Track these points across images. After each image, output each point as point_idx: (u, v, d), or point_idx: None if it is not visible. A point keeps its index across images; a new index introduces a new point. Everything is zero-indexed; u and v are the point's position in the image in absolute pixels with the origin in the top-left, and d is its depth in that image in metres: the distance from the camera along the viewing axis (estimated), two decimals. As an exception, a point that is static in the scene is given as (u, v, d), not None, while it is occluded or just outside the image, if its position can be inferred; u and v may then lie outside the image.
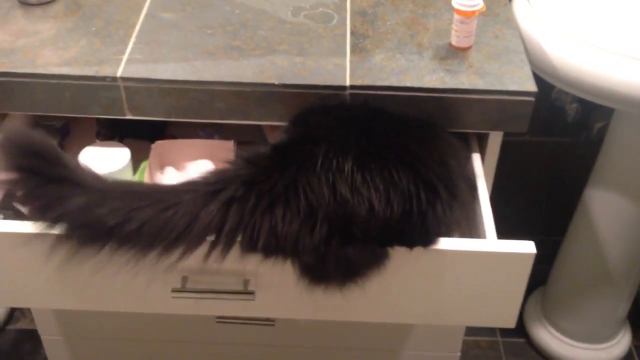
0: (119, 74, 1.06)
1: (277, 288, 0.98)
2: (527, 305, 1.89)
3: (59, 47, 1.11)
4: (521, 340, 1.87)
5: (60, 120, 1.25)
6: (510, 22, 1.19)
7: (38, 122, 1.24)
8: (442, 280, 0.97)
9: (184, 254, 0.87)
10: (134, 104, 1.08)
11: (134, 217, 0.85)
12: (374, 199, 0.85)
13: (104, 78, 1.06)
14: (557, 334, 1.80)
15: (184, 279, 0.97)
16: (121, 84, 1.06)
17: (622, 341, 1.81)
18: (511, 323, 1.01)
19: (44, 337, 1.38)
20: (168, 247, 0.86)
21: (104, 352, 1.40)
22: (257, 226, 0.86)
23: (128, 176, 1.16)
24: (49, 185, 0.88)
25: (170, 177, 1.15)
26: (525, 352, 1.84)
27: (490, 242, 0.95)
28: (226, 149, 1.15)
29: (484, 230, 0.99)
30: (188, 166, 1.16)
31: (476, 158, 1.14)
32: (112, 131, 1.21)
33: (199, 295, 0.96)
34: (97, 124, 1.21)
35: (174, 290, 0.96)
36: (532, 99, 1.06)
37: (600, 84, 1.19)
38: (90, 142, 1.18)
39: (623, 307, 1.75)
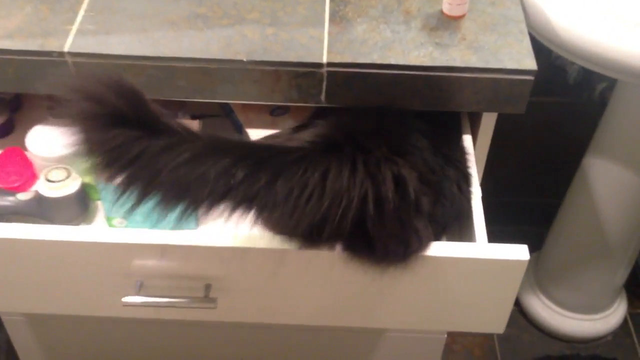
0: (66, 48, 0.94)
1: (243, 292, 0.89)
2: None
3: (0, 16, 0.98)
4: (512, 308, 1.80)
5: (9, 94, 1.13)
6: (510, -14, 1.06)
7: None
8: (429, 285, 0.87)
9: None
10: (86, 81, 0.96)
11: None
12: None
13: (49, 53, 0.94)
14: (551, 304, 1.73)
15: (140, 286, 0.87)
16: (69, 59, 0.94)
17: (618, 310, 1.74)
18: (500, 329, 0.93)
19: (5, 318, 1.30)
20: None
21: (69, 332, 1.32)
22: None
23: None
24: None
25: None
26: (515, 321, 1.78)
27: (481, 247, 0.85)
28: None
29: (474, 232, 0.90)
30: None
31: (467, 139, 1.03)
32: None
33: (152, 302, 0.87)
34: (48, 98, 1.10)
35: (127, 297, 0.86)
36: (531, 77, 0.95)
37: (606, 54, 1.08)
38: (43, 118, 1.07)
39: (620, 277, 1.67)
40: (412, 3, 1.03)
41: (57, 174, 0.98)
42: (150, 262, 0.86)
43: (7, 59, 0.94)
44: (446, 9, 1.00)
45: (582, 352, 1.74)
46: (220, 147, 0.75)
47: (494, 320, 0.91)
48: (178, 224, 0.87)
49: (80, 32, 0.96)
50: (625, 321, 1.78)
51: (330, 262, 0.85)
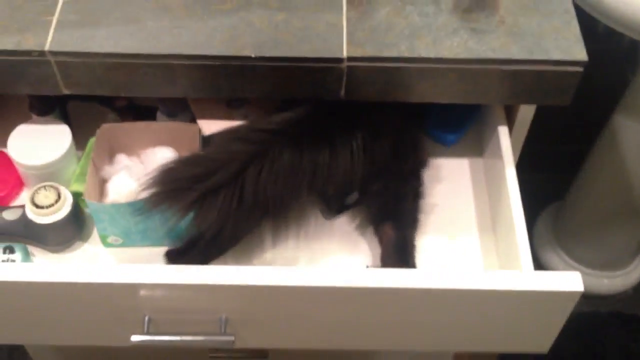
0: (47, 46, 0.81)
1: (262, 323, 0.81)
2: (538, 226, 1.73)
3: (-32, 6, 0.85)
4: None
5: None
6: (551, -49, 0.93)
7: None
8: (472, 313, 0.79)
9: None
10: (72, 80, 0.84)
11: None
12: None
13: (28, 52, 0.81)
14: (570, 261, 1.66)
15: (149, 321, 0.78)
16: (51, 58, 0.82)
17: (639, 267, 1.67)
18: (545, 349, 0.85)
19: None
20: None
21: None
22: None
23: (71, 163, 0.94)
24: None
25: (122, 167, 0.92)
26: (533, 277, 1.71)
27: (529, 277, 0.75)
28: (190, 134, 0.92)
29: (518, 257, 0.80)
30: (144, 153, 0.94)
31: (503, 132, 0.93)
32: (49, 98, 0.96)
33: (163, 341, 0.78)
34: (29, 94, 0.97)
35: (135, 336, 0.78)
36: (580, 69, 0.83)
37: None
38: (23, 116, 0.96)
39: (644, 233, 1.59)
40: (442, -23, 0.89)
41: (45, 196, 0.87)
42: (159, 297, 0.77)
43: (-20, 59, 0.82)
44: (481, -16, 0.88)
45: (602, 308, 1.68)
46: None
47: (540, 341, 0.83)
48: (176, 239, 0.91)
49: (61, 24, 0.83)
50: (644, 276, 1.72)
51: (368, 293, 0.76)
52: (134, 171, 0.92)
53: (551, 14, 0.86)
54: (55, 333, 0.84)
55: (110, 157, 0.94)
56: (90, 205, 0.87)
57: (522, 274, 0.78)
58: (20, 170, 0.93)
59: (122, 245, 0.92)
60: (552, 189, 1.74)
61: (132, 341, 0.78)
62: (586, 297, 1.66)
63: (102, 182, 0.93)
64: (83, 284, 0.75)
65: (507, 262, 0.87)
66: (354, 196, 0.96)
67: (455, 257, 0.93)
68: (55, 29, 0.83)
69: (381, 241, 0.92)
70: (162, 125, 0.95)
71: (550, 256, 1.69)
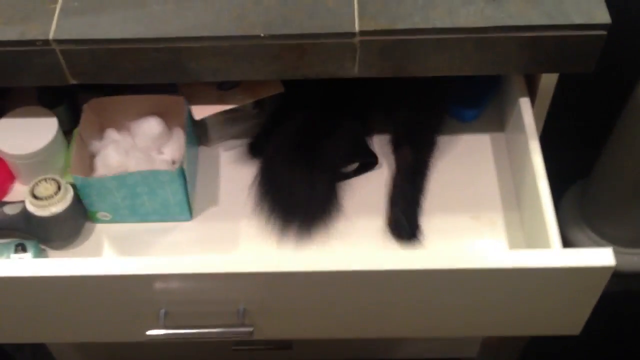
0: (51, 35, 0.79)
1: (282, 313, 0.78)
2: (564, 203, 1.69)
3: (-30, -3, 0.83)
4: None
5: None
6: None
7: None
8: (501, 294, 0.76)
9: None
10: (78, 69, 0.82)
11: None
12: None
13: (32, 42, 0.79)
14: (598, 239, 1.61)
15: (165, 315, 0.76)
16: (56, 47, 0.80)
17: (671, 242, 1.63)
18: (577, 330, 0.82)
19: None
20: None
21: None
22: None
23: (60, 150, 0.92)
24: None
25: (111, 141, 0.91)
26: (561, 257, 1.67)
27: (559, 253, 0.72)
28: (176, 104, 0.91)
29: (546, 235, 0.77)
30: (133, 126, 0.92)
31: (525, 103, 0.90)
32: (57, 90, 0.94)
33: (179, 334, 0.76)
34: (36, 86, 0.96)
35: (151, 331, 0.75)
36: (604, 32, 0.79)
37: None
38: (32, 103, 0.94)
39: (674, 207, 1.55)
40: (454, -56, 0.86)
41: (45, 188, 0.85)
42: (175, 289, 0.75)
43: (-16, 51, 0.80)
44: (495, -50, 0.84)
45: (633, 286, 1.64)
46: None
47: (571, 322, 0.80)
48: (168, 216, 0.91)
49: (64, 11, 0.81)
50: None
51: (394, 276, 0.74)
52: (122, 145, 0.91)
53: (570, -23, 0.83)
54: (71, 330, 0.83)
55: (100, 132, 0.93)
56: (76, 180, 0.86)
57: (551, 251, 0.75)
58: (9, 161, 0.92)
59: (111, 220, 0.91)
60: (576, 167, 1.70)
61: (147, 335, 0.75)
62: (616, 276, 1.63)
63: (92, 158, 0.92)
64: (97, 276, 0.73)
65: (535, 240, 0.85)
66: (352, 166, 0.94)
67: (480, 236, 0.90)
68: (59, 17, 0.81)
69: (397, 162, 0.94)
70: (149, 97, 0.93)
71: (577, 235, 1.65)
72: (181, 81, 0.84)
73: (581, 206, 1.65)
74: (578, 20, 0.79)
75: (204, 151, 0.99)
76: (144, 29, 0.80)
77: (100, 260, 0.74)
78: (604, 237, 1.61)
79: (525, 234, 0.89)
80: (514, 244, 0.89)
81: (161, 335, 0.76)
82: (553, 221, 0.81)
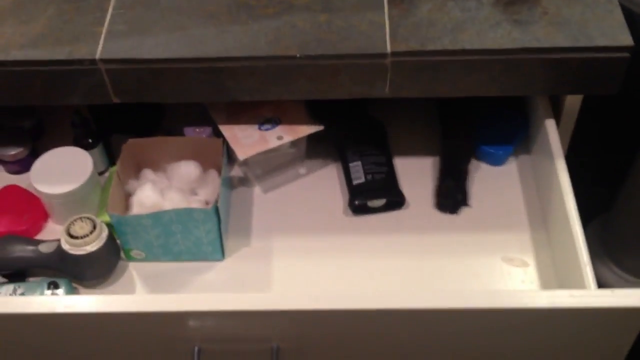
0: (97, 55, 0.83)
1: (313, 351, 0.80)
2: (586, 239, 1.69)
3: (22, 21, 0.88)
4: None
5: (30, 120, 1.03)
6: (590, -56, 0.93)
7: (3, 124, 1.02)
8: (536, 335, 0.77)
9: None
10: (122, 87, 0.86)
11: None
12: None
13: (80, 61, 0.84)
14: (623, 274, 1.61)
15: (199, 352, 0.78)
16: (102, 67, 0.84)
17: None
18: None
19: None
20: None
21: None
22: None
23: (94, 190, 0.95)
24: None
25: (147, 181, 0.93)
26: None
27: (594, 294, 0.74)
28: (214, 147, 0.93)
29: (580, 275, 0.79)
30: (170, 167, 0.95)
31: (550, 125, 0.92)
32: (96, 130, 0.99)
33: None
34: (73, 126, 0.98)
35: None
36: (627, 54, 0.82)
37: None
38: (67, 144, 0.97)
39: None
40: (481, -27, 0.90)
41: (80, 227, 0.87)
42: (208, 327, 0.76)
43: (33, 70, 0.84)
44: (521, -22, 0.88)
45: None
46: None
47: None
48: (201, 255, 0.91)
49: (110, 33, 0.86)
50: (701, 285, 1.67)
51: (423, 317, 0.75)
52: (158, 185, 0.93)
53: (594, 4, 0.86)
54: None
55: (136, 172, 0.95)
56: (112, 217, 0.88)
57: (586, 291, 0.76)
58: (44, 200, 0.94)
59: (145, 259, 0.92)
60: (596, 201, 1.71)
61: None
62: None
63: (127, 197, 0.93)
64: (131, 313, 0.73)
65: (569, 280, 0.84)
66: (379, 201, 0.96)
67: (513, 277, 0.90)
68: (105, 39, 0.85)
69: (446, 147, 1.01)
70: (186, 139, 0.96)
71: (601, 269, 1.65)
72: (220, 100, 0.88)
73: (603, 241, 1.65)
74: (602, 42, 0.82)
75: (237, 191, 1.00)
76: (185, 50, 0.84)
77: (134, 297, 0.75)
78: (629, 272, 1.61)
79: (557, 274, 0.89)
80: (547, 285, 0.89)
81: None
82: (587, 261, 0.81)
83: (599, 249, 1.66)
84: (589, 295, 0.74)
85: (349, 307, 0.73)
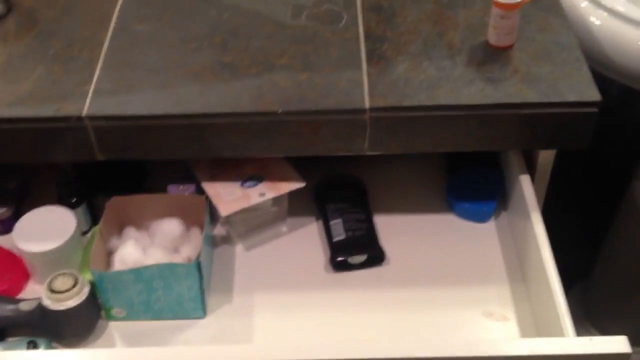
0: (84, 112, 0.86)
1: None
2: (568, 305, 1.70)
3: (10, 80, 0.90)
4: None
5: (14, 181, 1.04)
6: (557, 9, 0.98)
7: None
8: None
9: None
10: (107, 145, 0.88)
11: None
12: None
13: (67, 119, 0.86)
14: (604, 338, 1.62)
15: None
16: (89, 123, 0.86)
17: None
18: None
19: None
20: None
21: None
22: None
23: (76, 249, 0.95)
24: None
25: (129, 238, 0.94)
26: (568, 358, 1.66)
27: (573, 341, 0.75)
28: (197, 204, 0.94)
29: (559, 325, 0.80)
30: (153, 225, 0.96)
31: (525, 180, 0.95)
32: (79, 191, 1.00)
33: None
34: (59, 185, 1.00)
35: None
36: (595, 110, 0.86)
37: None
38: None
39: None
40: (455, 35, 0.94)
41: (62, 282, 0.87)
42: None
43: (21, 127, 0.86)
44: (492, 39, 0.92)
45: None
46: None
47: None
48: (182, 313, 0.91)
49: (97, 92, 0.88)
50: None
51: None
52: (140, 242, 0.93)
53: (562, 63, 0.90)
54: None
55: (119, 230, 0.96)
56: (93, 273, 0.88)
57: (566, 339, 0.77)
58: (26, 258, 0.94)
59: (126, 318, 0.92)
60: (574, 269, 1.73)
61: None
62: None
63: (109, 254, 0.94)
64: None
65: (548, 330, 0.85)
66: (359, 258, 0.97)
67: (493, 330, 0.91)
68: (92, 97, 0.88)
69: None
70: (169, 197, 0.97)
71: (583, 334, 1.65)
72: (203, 156, 0.90)
73: (585, 306, 1.66)
74: (571, 98, 0.86)
75: (220, 249, 1.01)
76: (170, 107, 0.86)
77: (114, 351, 0.75)
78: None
79: (537, 326, 0.90)
80: (527, 335, 0.90)
81: None
82: (563, 305, 0.83)
83: (581, 314, 1.67)
84: (568, 343, 0.74)
85: (330, 357, 0.73)
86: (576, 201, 1.75)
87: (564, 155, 1.41)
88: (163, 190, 0.99)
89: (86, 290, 0.87)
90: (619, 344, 0.74)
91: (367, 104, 0.86)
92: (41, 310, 0.87)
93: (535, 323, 0.90)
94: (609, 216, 1.53)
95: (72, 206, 0.98)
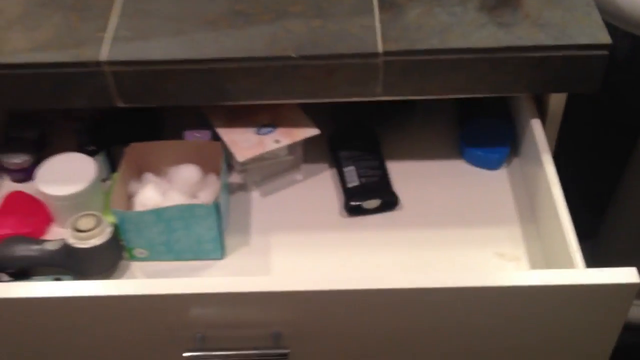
0: (102, 57, 0.87)
1: (318, 337, 0.81)
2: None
3: (29, 28, 0.92)
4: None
5: (34, 132, 1.06)
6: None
7: (8, 134, 1.06)
8: (527, 315, 0.79)
9: None
10: (125, 90, 0.90)
11: None
12: None
13: (85, 64, 0.87)
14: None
15: (201, 339, 0.80)
16: (107, 69, 0.87)
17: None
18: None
19: None
20: None
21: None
22: None
23: (97, 194, 0.97)
24: None
25: (148, 182, 0.96)
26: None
27: (583, 272, 0.76)
28: (214, 150, 0.96)
29: (568, 256, 0.82)
30: (171, 171, 0.97)
31: (536, 124, 0.96)
32: (98, 140, 1.02)
33: (216, 356, 0.79)
34: (77, 134, 1.02)
35: (188, 352, 0.78)
36: (606, 52, 0.87)
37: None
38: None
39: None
40: (466, -18, 0.95)
41: (86, 222, 0.89)
42: (210, 313, 0.78)
43: (40, 73, 0.88)
44: (504, -15, 0.93)
45: (649, 340, 1.65)
46: None
47: (596, 350, 0.82)
48: (202, 254, 0.94)
49: (114, 39, 0.90)
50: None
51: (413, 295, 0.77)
52: (160, 187, 0.95)
53: (573, 8, 0.91)
54: (106, 353, 0.84)
55: (138, 176, 0.98)
56: (115, 213, 0.90)
57: (575, 270, 0.79)
58: (49, 202, 0.96)
59: (148, 258, 0.94)
60: (586, 227, 1.74)
61: (184, 357, 0.78)
62: (630, 329, 1.64)
63: (130, 198, 0.96)
64: (134, 296, 0.75)
65: (558, 266, 0.87)
66: (373, 202, 0.99)
67: (503, 269, 0.93)
68: (110, 43, 0.89)
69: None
70: (186, 143, 0.98)
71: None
72: (219, 102, 0.91)
73: (593, 262, 1.68)
74: (582, 40, 0.87)
75: (236, 196, 1.03)
76: (186, 52, 0.88)
77: (137, 281, 0.77)
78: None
79: (548, 264, 0.91)
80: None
81: (199, 356, 0.78)
82: (573, 241, 0.84)
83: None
84: (579, 274, 0.76)
85: (348, 287, 0.75)
86: (586, 161, 1.76)
87: (576, 112, 1.43)
88: (180, 137, 1.01)
89: (109, 230, 0.90)
90: (629, 274, 0.75)
91: (380, 48, 0.87)
92: (66, 249, 0.89)
93: (546, 262, 0.92)
94: (616, 177, 1.54)
95: (91, 154, 1.00)
